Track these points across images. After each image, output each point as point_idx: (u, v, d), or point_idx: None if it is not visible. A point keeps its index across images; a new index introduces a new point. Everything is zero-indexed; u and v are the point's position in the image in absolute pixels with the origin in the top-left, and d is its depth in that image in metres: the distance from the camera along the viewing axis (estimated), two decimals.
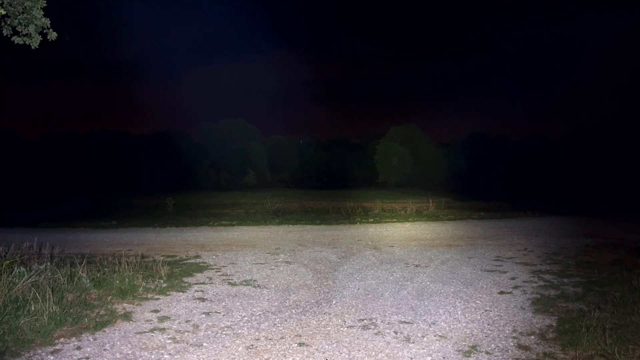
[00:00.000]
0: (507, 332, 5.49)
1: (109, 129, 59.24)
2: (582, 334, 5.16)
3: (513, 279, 8.02)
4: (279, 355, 4.83)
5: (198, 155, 51.73)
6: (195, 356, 4.80)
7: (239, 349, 4.98)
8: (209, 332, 5.53)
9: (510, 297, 6.90)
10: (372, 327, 5.67)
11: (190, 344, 5.12)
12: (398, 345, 5.09)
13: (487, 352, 4.90)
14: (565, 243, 11.60)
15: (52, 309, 5.70)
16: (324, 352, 4.89)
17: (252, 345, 5.10)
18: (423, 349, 5.00)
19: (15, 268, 6.76)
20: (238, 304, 6.66)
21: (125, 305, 6.41)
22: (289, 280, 8.02)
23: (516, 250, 10.75)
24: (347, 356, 4.81)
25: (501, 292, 7.16)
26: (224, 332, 5.51)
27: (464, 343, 5.15)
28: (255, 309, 6.41)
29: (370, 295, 7.04)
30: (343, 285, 7.64)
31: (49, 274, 6.85)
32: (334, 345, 5.07)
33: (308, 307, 6.52)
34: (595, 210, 21.07)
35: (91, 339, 5.19)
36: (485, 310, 6.29)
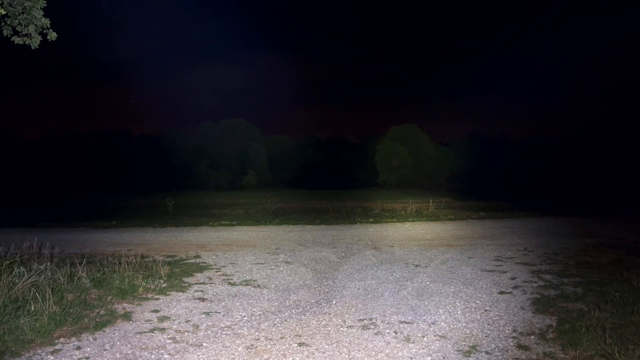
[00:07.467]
0: (507, 332, 5.49)
1: (109, 129, 59.14)
2: (582, 334, 5.16)
3: (513, 279, 8.02)
4: (279, 355, 4.83)
5: (198, 155, 51.65)
6: (195, 356, 4.80)
7: (239, 349, 4.98)
8: (209, 332, 5.53)
9: (510, 297, 6.90)
10: (372, 327, 5.67)
11: (190, 344, 5.12)
12: (398, 345, 5.09)
13: (487, 352, 4.90)
14: (565, 243, 11.60)
15: (52, 309, 5.70)
16: (324, 352, 4.89)
17: (252, 345, 5.10)
18: (423, 349, 5.00)
19: (15, 268, 6.76)
20: (238, 304, 6.66)
21: (125, 305, 6.41)
22: (289, 280, 8.02)
23: (516, 250, 10.75)
24: (347, 356, 4.81)
25: (501, 292, 7.16)
26: (224, 332, 5.51)
27: (464, 343, 5.16)
28: (255, 309, 6.42)
29: (370, 295, 7.04)
30: (343, 285, 7.64)
31: (49, 274, 6.85)
32: (334, 345, 5.07)
33: (308, 307, 6.52)
34: (596, 210, 21.06)
35: (91, 339, 5.19)
36: (485, 310, 6.29)
